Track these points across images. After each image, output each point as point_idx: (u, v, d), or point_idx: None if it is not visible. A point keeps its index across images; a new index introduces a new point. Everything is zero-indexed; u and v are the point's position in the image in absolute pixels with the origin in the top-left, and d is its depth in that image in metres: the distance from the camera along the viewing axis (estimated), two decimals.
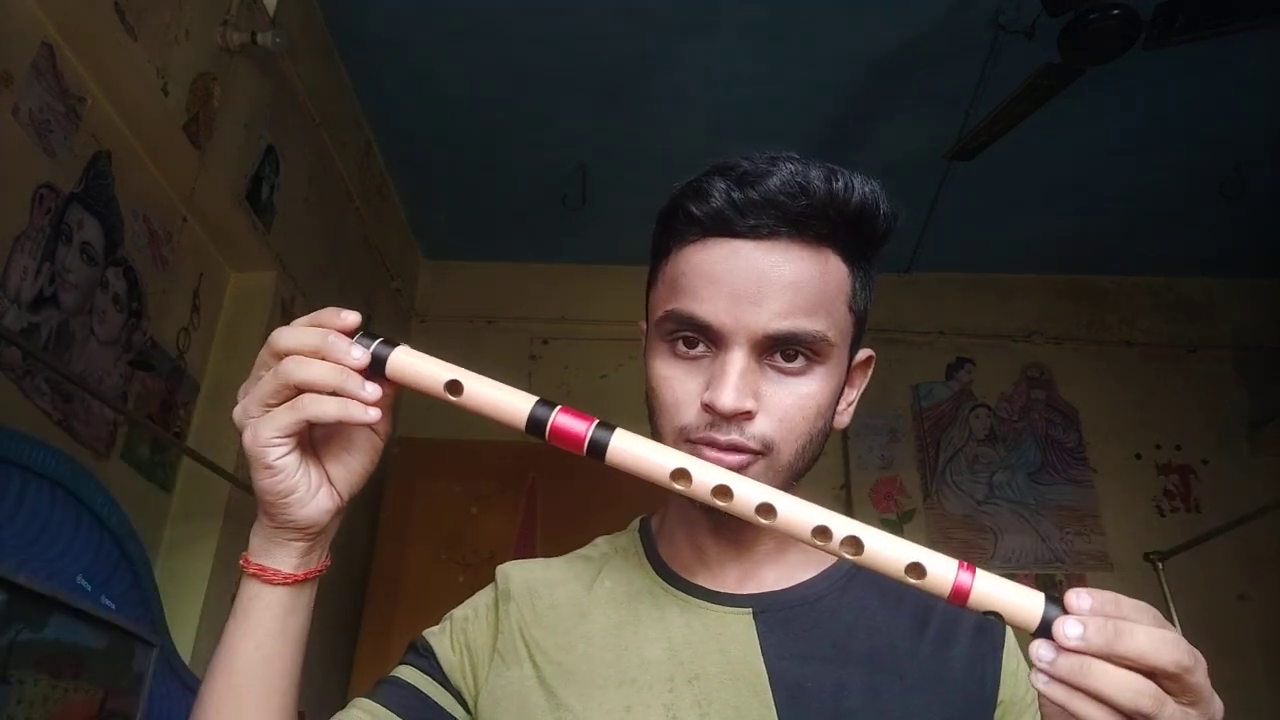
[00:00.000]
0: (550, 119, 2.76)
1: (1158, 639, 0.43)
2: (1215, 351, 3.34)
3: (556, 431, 0.52)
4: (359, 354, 0.54)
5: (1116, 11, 1.90)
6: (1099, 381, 3.32)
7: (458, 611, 0.73)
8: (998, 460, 3.22)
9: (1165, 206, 3.07)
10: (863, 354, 0.69)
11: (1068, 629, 0.43)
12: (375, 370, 0.55)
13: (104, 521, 1.48)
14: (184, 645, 1.78)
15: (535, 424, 0.53)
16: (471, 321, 3.42)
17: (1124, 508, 3.12)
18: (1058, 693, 0.43)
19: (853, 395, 0.70)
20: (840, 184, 0.60)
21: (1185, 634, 0.41)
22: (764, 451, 0.61)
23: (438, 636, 0.71)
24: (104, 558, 1.49)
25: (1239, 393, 3.27)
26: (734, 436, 0.60)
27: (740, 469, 0.60)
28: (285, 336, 0.54)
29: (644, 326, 0.70)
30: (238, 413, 0.55)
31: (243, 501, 2.00)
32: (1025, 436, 3.25)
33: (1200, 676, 0.44)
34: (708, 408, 0.60)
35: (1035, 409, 3.30)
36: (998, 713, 0.64)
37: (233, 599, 0.58)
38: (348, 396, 0.53)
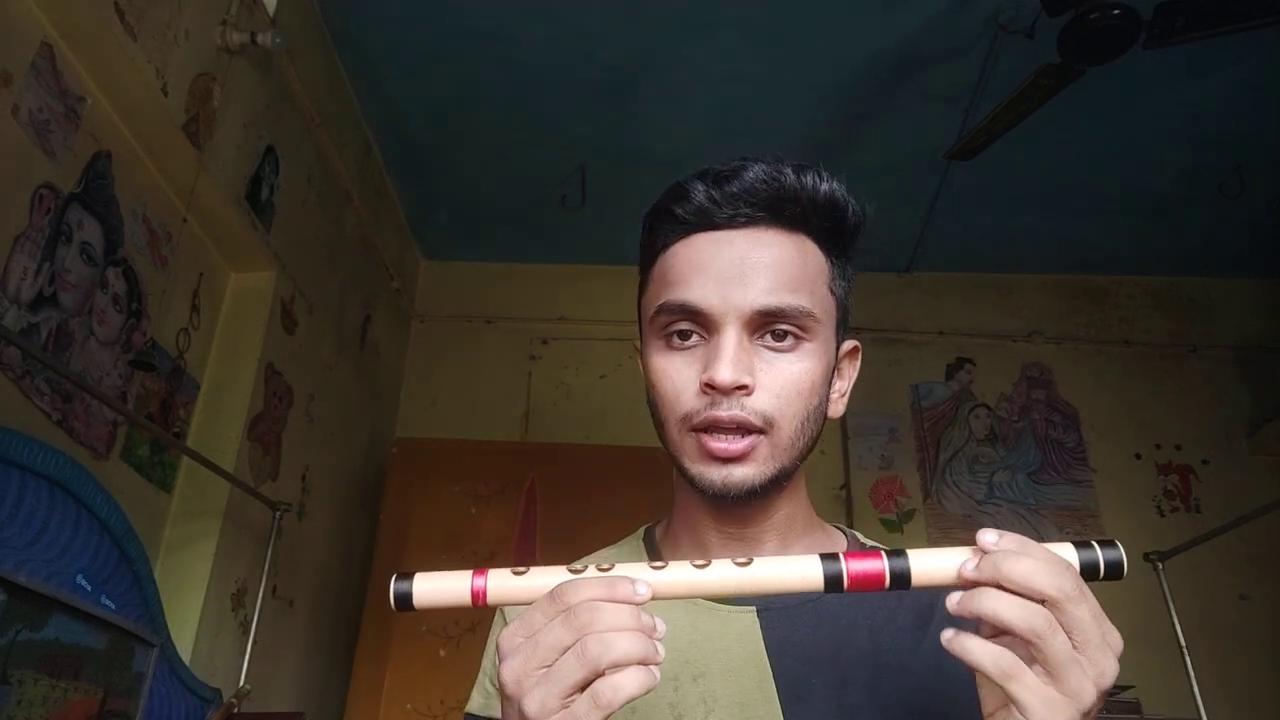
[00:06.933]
0: (550, 119, 2.76)
1: (1038, 566, 0.47)
2: (1215, 351, 3.34)
3: (855, 579, 0.51)
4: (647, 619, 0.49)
5: (1116, 11, 1.90)
6: (1099, 381, 3.32)
7: (488, 666, 0.73)
8: (998, 460, 3.22)
9: (1165, 206, 3.07)
10: (849, 344, 0.71)
11: (965, 566, 0.49)
12: None
13: (104, 522, 1.48)
14: (184, 645, 1.77)
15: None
16: (471, 321, 3.42)
17: (1124, 508, 3.12)
18: (966, 612, 0.48)
19: (843, 386, 0.71)
20: (809, 176, 0.65)
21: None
22: (765, 429, 0.62)
23: (486, 705, 0.71)
24: (104, 558, 1.48)
25: (1239, 393, 3.28)
26: (736, 412, 0.61)
27: (745, 454, 0.62)
28: (575, 592, 0.49)
29: (638, 344, 0.72)
30: (533, 708, 0.47)
31: (242, 501, 2.00)
32: (1025, 436, 3.25)
33: (1084, 613, 0.46)
34: (707, 387, 0.62)
35: (1035, 409, 3.30)
36: None
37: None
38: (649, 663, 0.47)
